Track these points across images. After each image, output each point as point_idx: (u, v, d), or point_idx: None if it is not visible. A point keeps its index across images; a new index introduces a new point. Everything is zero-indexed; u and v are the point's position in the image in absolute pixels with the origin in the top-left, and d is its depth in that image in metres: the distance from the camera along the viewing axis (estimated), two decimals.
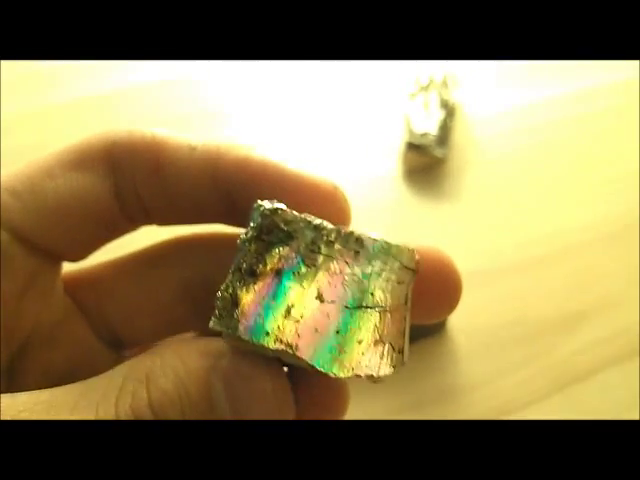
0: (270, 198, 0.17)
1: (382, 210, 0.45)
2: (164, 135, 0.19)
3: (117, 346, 0.22)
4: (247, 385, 0.16)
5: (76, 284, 0.22)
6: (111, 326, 0.22)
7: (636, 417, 0.34)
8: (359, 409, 0.34)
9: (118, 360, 0.22)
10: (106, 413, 0.15)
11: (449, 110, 0.49)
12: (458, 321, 0.38)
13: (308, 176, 0.19)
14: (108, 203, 0.20)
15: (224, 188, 0.19)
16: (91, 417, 0.15)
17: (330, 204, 0.19)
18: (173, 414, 0.15)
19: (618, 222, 0.43)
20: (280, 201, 0.16)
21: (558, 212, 0.44)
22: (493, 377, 0.36)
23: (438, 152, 0.46)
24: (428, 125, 0.47)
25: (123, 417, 0.15)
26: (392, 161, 0.47)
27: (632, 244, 0.42)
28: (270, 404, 0.16)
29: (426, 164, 0.47)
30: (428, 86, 0.49)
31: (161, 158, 0.19)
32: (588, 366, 0.36)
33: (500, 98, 0.52)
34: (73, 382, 0.18)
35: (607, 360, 0.36)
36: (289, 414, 0.17)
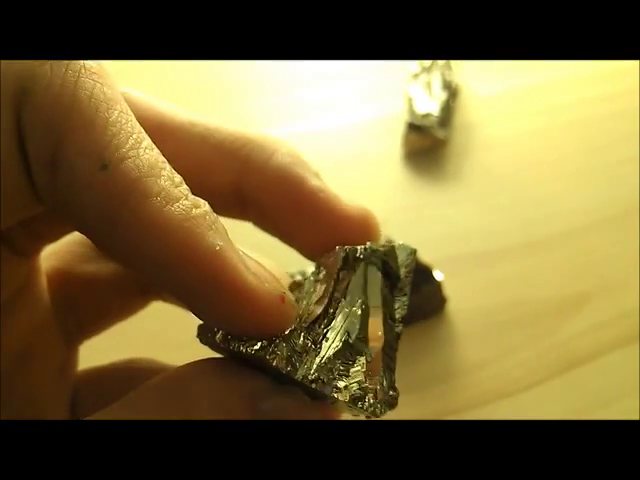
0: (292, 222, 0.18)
1: (383, 191, 0.44)
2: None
3: (73, 334, 0.21)
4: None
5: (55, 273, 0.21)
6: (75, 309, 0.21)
7: (636, 401, 0.34)
8: None
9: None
10: None
11: (452, 91, 0.48)
12: (458, 303, 0.38)
13: (339, 204, 0.18)
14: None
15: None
16: None
17: (364, 231, 0.18)
18: None
19: (620, 205, 0.43)
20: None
21: (560, 194, 0.44)
22: (493, 359, 0.35)
23: (440, 133, 0.45)
24: (430, 106, 0.46)
25: None
26: (394, 142, 0.47)
27: (634, 227, 0.41)
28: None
29: (428, 145, 0.46)
30: (431, 67, 0.49)
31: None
32: (589, 349, 0.36)
33: (503, 80, 0.51)
34: (24, 366, 0.18)
35: (608, 343, 0.36)
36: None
